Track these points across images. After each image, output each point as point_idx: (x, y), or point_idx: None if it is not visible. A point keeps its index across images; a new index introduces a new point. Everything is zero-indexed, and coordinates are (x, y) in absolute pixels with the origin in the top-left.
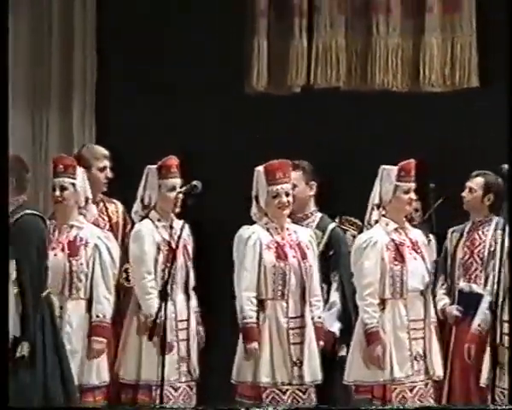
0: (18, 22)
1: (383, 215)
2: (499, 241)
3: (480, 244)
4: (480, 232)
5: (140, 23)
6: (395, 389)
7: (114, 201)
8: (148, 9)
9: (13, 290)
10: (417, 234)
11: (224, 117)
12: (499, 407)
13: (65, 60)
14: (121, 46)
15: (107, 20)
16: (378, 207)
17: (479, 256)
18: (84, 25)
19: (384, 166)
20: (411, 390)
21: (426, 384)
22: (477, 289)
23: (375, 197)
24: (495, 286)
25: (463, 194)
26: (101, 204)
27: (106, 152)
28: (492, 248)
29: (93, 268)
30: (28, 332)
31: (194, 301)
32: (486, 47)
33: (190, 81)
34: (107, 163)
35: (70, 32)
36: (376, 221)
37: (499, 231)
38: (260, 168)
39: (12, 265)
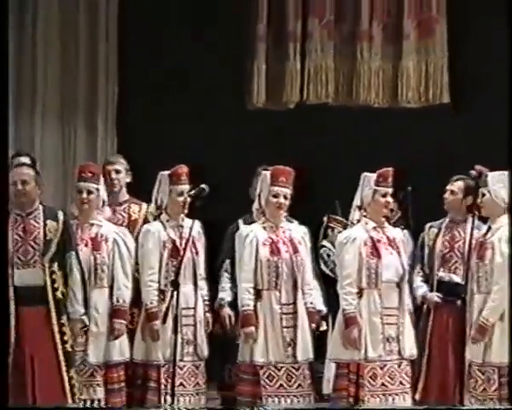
0: (49, 49)
1: (364, 215)
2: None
3: (459, 240)
4: (460, 230)
5: (158, 48)
6: (367, 366)
7: (141, 203)
8: (165, 39)
9: (78, 277)
10: (395, 232)
11: (229, 130)
12: (499, 407)
13: (90, 81)
14: (140, 69)
15: (128, 47)
16: (359, 208)
17: (459, 251)
18: (106, 51)
19: (365, 173)
20: (382, 368)
21: (399, 364)
22: (456, 279)
23: (357, 200)
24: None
25: (445, 196)
26: (127, 204)
27: (113, 158)
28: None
29: (113, 260)
30: (88, 308)
31: (204, 291)
32: (457, 68)
33: (201, 100)
34: (110, 167)
35: (94, 57)
36: (358, 220)
37: (476, 231)
38: (267, 171)
39: (73, 256)
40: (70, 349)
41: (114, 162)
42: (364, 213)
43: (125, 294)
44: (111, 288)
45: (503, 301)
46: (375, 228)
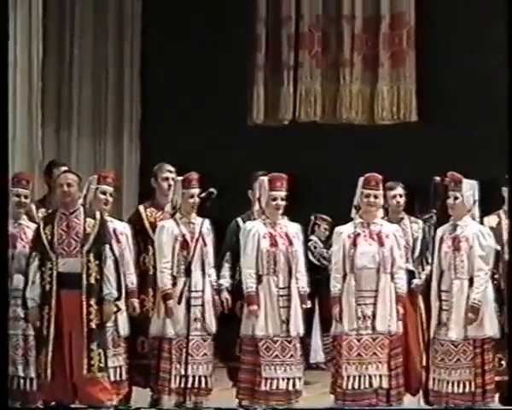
0: (82, 78)
1: (359, 214)
2: (420, 231)
3: (405, 234)
4: (403, 226)
5: (176, 73)
6: (346, 338)
7: None
8: (183, 67)
9: (112, 265)
10: (386, 227)
11: (234, 143)
12: (500, 407)
13: (117, 103)
14: (160, 92)
15: (150, 74)
16: (355, 207)
17: (408, 243)
18: (131, 78)
19: (361, 178)
20: (359, 341)
21: (374, 339)
22: (410, 267)
23: (355, 200)
24: (428, 264)
25: (398, 199)
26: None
27: (169, 167)
28: (415, 236)
29: (124, 251)
30: (121, 294)
31: (213, 277)
32: (423, 92)
33: (210, 116)
34: (169, 175)
35: (121, 83)
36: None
37: (415, 225)
38: (264, 178)
39: (107, 247)
40: (94, 327)
41: (173, 171)
42: (359, 212)
43: (134, 279)
44: (124, 274)
45: (487, 284)
46: (362, 224)
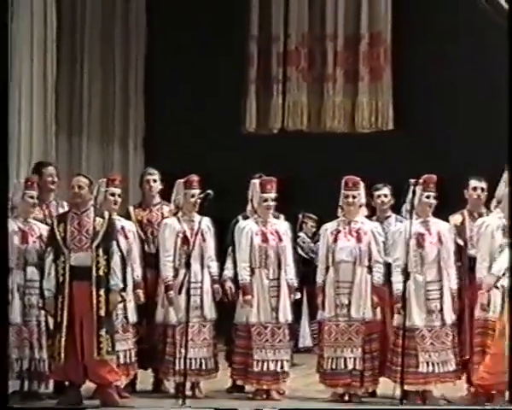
0: (92, 91)
1: (343, 213)
2: (403, 229)
3: (388, 232)
4: (387, 224)
5: (176, 86)
6: (327, 324)
7: (170, 204)
8: (183, 80)
9: (118, 260)
10: (366, 225)
11: (229, 149)
12: (499, 407)
13: (123, 113)
14: (162, 103)
15: (152, 85)
16: (340, 207)
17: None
18: (135, 89)
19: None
20: (337, 326)
21: (350, 325)
22: (389, 260)
23: (340, 200)
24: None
25: (383, 199)
26: (160, 205)
27: (151, 170)
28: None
29: (131, 246)
30: (126, 285)
31: (213, 269)
32: (399, 103)
33: (208, 125)
34: (149, 177)
35: (126, 95)
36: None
37: (399, 223)
38: (256, 181)
39: (115, 244)
40: (102, 314)
41: (154, 173)
42: (343, 212)
43: (139, 271)
44: (131, 267)
45: None
46: (344, 221)
